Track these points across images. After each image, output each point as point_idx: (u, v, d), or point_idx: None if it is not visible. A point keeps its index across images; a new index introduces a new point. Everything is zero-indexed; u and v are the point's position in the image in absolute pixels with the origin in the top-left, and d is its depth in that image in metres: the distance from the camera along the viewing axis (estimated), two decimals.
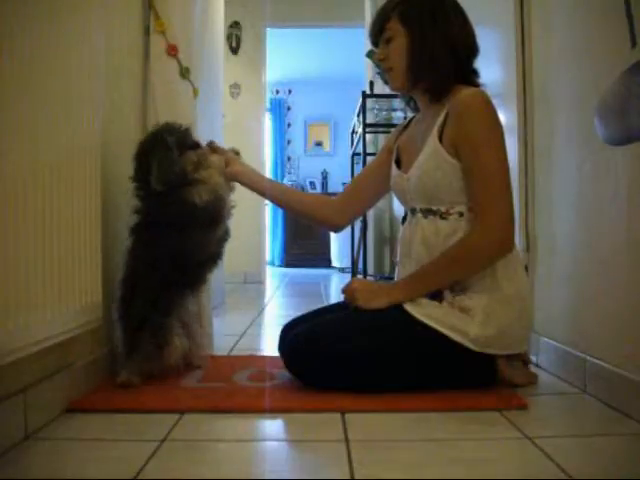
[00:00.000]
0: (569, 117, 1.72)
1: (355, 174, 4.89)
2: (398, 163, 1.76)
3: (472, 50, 1.64)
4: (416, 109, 1.80)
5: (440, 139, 1.57)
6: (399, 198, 1.80)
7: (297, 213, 1.95)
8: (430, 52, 1.59)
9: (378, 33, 1.68)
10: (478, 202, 1.54)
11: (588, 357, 1.56)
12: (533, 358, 1.86)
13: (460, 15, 1.64)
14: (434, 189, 1.58)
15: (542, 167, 1.90)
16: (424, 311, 1.53)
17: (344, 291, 1.67)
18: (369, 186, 1.88)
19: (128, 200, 1.69)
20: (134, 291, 1.59)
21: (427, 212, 1.61)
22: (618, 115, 1.38)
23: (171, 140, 1.64)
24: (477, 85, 1.64)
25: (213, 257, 1.73)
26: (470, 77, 1.64)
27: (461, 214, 1.57)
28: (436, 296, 1.57)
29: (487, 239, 1.52)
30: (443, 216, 1.58)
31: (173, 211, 1.61)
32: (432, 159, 1.58)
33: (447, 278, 1.56)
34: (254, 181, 1.94)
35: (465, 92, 1.56)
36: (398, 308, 1.56)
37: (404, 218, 1.76)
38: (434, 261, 1.56)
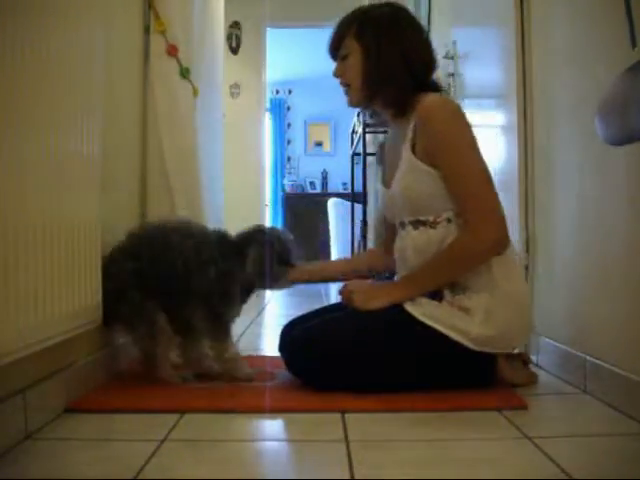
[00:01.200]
0: (569, 117, 1.72)
1: (355, 175, 4.89)
2: (384, 179, 1.78)
3: (429, 65, 1.65)
4: (382, 123, 1.81)
5: (414, 151, 1.58)
6: (387, 214, 1.81)
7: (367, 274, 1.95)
8: (385, 68, 1.60)
9: (335, 50, 1.69)
10: (463, 205, 1.54)
11: (588, 357, 1.56)
12: (533, 358, 1.86)
13: (416, 30, 1.65)
14: (418, 201, 1.59)
15: (542, 167, 1.90)
16: (424, 311, 1.53)
17: (341, 293, 1.67)
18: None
19: (128, 200, 1.69)
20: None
21: (416, 223, 1.62)
22: (618, 115, 1.38)
23: (277, 250, 1.69)
24: (439, 90, 1.65)
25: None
26: (430, 88, 1.64)
27: (449, 220, 1.57)
28: (436, 295, 1.57)
29: (479, 238, 1.53)
30: (432, 225, 1.59)
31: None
32: (409, 172, 1.59)
33: (443, 278, 1.57)
34: (323, 276, 2.01)
35: (426, 100, 1.57)
36: (398, 308, 1.56)
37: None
38: (430, 261, 1.56)
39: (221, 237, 1.71)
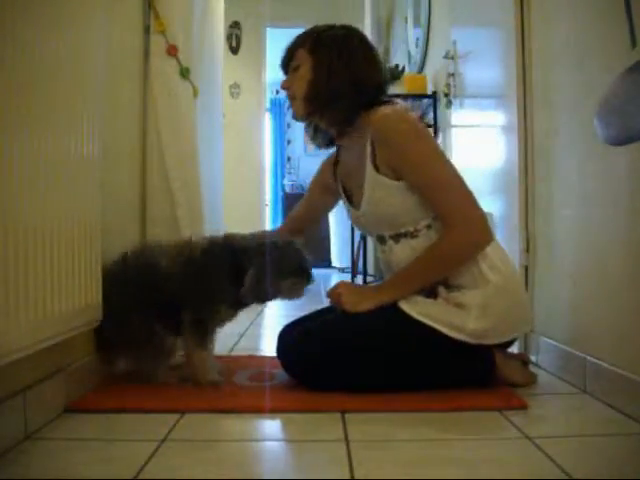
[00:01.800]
0: (569, 117, 1.72)
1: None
2: (350, 199, 1.76)
3: (379, 86, 1.66)
4: (323, 142, 1.77)
5: (376, 167, 1.58)
6: (362, 231, 1.81)
7: None
8: (332, 85, 1.60)
9: (287, 61, 1.70)
10: (440, 211, 1.55)
11: (588, 357, 1.56)
12: (533, 358, 1.86)
13: (368, 53, 1.66)
14: (393, 217, 1.60)
15: (542, 167, 1.90)
16: (420, 309, 1.54)
17: (329, 295, 1.66)
18: (311, 218, 1.96)
19: (128, 200, 1.69)
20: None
21: (397, 237, 1.62)
22: (618, 115, 1.38)
23: (282, 264, 1.59)
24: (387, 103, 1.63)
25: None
26: (381, 104, 1.62)
27: (429, 226, 1.58)
28: (431, 293, 1.57)
29: (461, 240, 1.54)
30: (413, 235, 1.60)
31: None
32: (377, 190, 1.59)
33: (429, 278, 1.58)
34: None
35: (378, 114, 1.57)
36: (394, 307, 1.56)
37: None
38: (416, 261, 1.57)
39: (219, 246, 1.66)
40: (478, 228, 1.55)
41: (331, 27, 1.68)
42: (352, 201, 1.74)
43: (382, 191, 1.58)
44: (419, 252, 1.58)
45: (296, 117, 1.73)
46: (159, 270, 1.62)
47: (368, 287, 1.71)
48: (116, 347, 1.64)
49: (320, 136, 1.77)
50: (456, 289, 1.56)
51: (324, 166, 1.90)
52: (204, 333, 1.64)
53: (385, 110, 1.58)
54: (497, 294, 1.54)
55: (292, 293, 1.63)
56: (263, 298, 1.64)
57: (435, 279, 1.57)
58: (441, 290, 1.56)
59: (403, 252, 1.61)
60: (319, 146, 1.81)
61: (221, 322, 1.69)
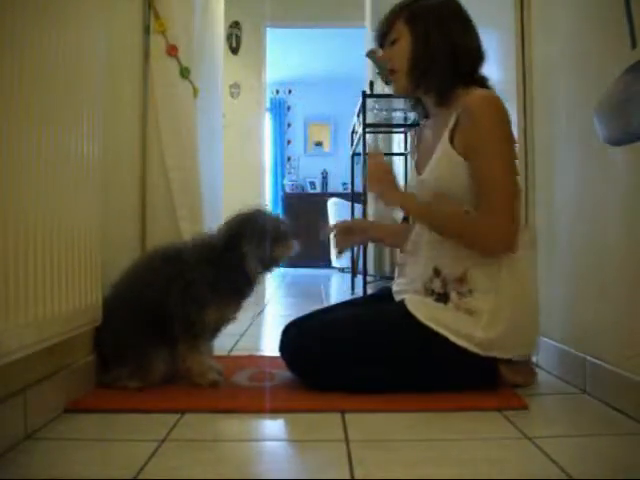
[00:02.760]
0: (569, 117, 1.72)
1: (355, 175, 4.90)
2: (417, 164, 1.77)
3: (476, 57, 1.65)
4: (424, 115, 1.80)
5: (452, 141, 1.57)
6: None
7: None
8: (431, 55, 1.60)
9: (384, 34, 1.68)
10: (479, 202, 1.54)
11: (588, 357, 1.56)
12: (533, 358, 1.86)
13: (465, 22, 1.65)
14: (448, 190, 1.59)
15: (542, 167, 1.90)
16: (429, 314, 1.53)
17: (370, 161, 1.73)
18: None
19: (128, 200, 1.69)
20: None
21: None
22: (618, 115, 1.38)
23: (269, 231, 1.65)
24: (487, 88, 1.64)
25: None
26: (477, 83, 1.63)
27: (467, 212, 1.57)
28: (442, 297, 1.56)
29: (481, 235, 1.54)
30: None
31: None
32: (444, 161, 1.58)
33: (448, 233, 1.58)
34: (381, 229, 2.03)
35: (476, 94, 1.56)
36: (402, 309, 1.56)
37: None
38: (450, 213, 1.58)
39: (202, 243, 1.68)
40: (497, 237, 1.53)
41: None
42: (418, 166, 1.74)
43: (447, 163, 1.57)
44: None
45: (398, 91, 1.73)
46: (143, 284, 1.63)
47: (396, 185, 1.72)
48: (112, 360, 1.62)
49: (420, 108, 1.79)
50: (469, 294, 1.54)
51: (412, 135, 1.93)
52: (195, 337, 1.63)
53: (483, 92, 1.58)
54: (511, 303, 1.52)
55: (286, 251, 1.70)
56: (268, 265, 1.68)
57: (449, 236, 1.58)
58: (453, 296, 1.55)
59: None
60: (419, 118, 1.84)
61: (216, 324, 1.68)
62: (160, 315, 1.59)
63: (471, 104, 1.54)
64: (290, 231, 1.72)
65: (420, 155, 1.76)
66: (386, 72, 1.74)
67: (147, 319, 1.59)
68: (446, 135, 1.58)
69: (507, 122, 1.56)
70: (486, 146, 1.53)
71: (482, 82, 1.64)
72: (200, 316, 1.62)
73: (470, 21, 1.66)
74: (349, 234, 1.88)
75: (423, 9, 1.63)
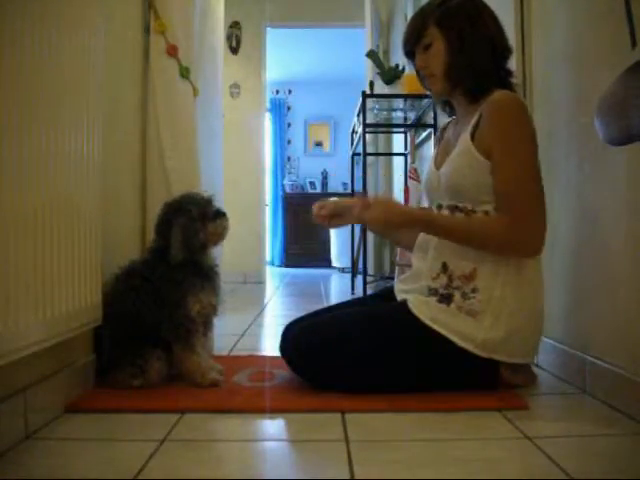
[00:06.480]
0: (569, 117, 1.72)
1: (355, 175, 4.90)
2: (435, 158, 1.77)
3: (508, 50, 1.64)
4: (451, 113, 1.80)
5: (473, 138, 1.57)
6: (427, 193, 1.81)
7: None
8: (470, 55, 1.59)
9: (416, 41, 1.67)
10: (501, 203, 1.53)
11: (588, 357, 1.56)
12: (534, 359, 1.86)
13: (493, 17, 1.64)
14: (462, 187, 1.58)
15: (542, 167, 1.89)
16: (431, 315, 1.53)
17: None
18: None
19: (128, 200, 1.69)
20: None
21: (453, 209, 1.60)
22: (618, 115, 1.38)
23: (195, 211, 1.66)
24: (511, 85, 1.63)
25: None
26: (506, 78, 1.64)
27: (486, 212, 1.55)
28: (445, 298, 1.56)
29: (510, 237, 1.51)
30: (468, 214, 1.57)
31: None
32: (463, 157, 1.57)
33: (456, 240, 1.56)
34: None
35: (499, 94, 1.56)
36: (404, 309, 1.56)
37: None
38: (456, 221, 1.57)
39: (156, 246, 1.69)
40: (525, 241, 1.53)
41: None
42: (436, 161, 1.74)
43: (466, 159, 1.56)
44: None
45: (436, 95, 1.73)
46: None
47: (398, 205, 1.70)
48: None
49: (448, 109, 1.79)
50: (472, 293, 1.53)
51: (440, 132, 1.91)
52: (188, 335, 1.63)
53: (509, 93, 1.57)
54: (515, 305, 1.51)
55: (218, 230, 1.70)
56: (193, 248, 1.65)
57: (457, 243, 1.56)
58: (456, 297, 1.54)
59: None
60: (448, 115, 1.84)
61: (201, 313, 1.66)
62: (146, 325, 1.60)
63: (492, 103, 1.54)
64: (221, 211, 1.71)
65: (440, 151, 1.75)
66: (423, 79, 1.72)
67: (135, 335, 1.59)
68: (468, 132, 1.58)
69: (526, 123, 1.55)
70: (505, 144, 1.52)
71: (509, 76, 1.64)
72: (184, 311, 1.62)
73: (495, 15, 1.65)
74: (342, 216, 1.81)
75: (452, 9, 1.62)
